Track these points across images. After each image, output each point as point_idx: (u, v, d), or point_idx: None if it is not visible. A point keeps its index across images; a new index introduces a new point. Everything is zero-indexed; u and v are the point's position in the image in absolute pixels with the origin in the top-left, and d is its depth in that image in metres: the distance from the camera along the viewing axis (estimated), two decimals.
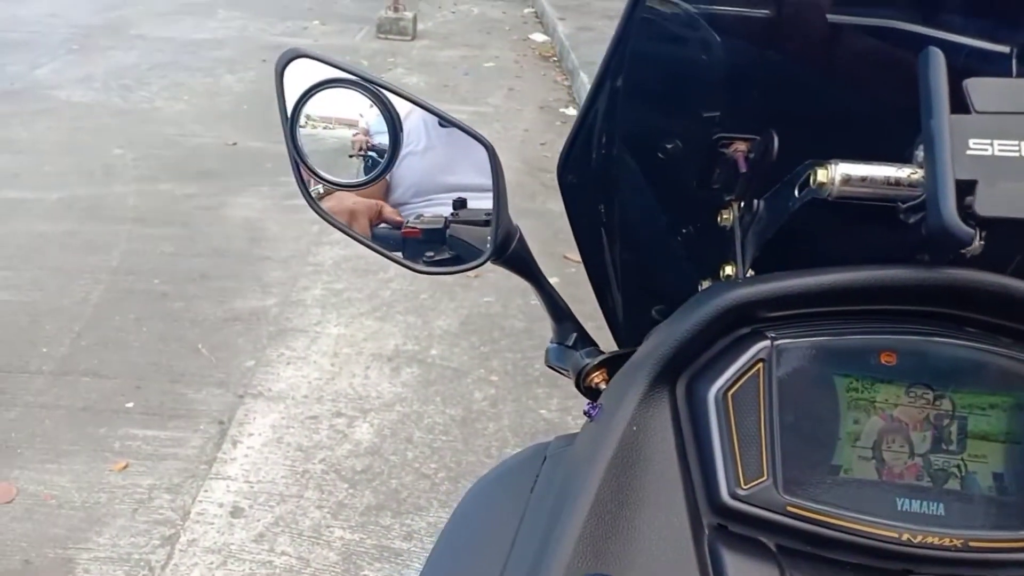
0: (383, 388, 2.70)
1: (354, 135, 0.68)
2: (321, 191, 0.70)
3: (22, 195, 3.89)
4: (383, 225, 0.71)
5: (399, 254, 0.72)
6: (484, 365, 2.85)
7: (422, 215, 0.72)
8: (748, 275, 0.59)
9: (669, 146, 0.62)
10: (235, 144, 4.74)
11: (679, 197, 0.65)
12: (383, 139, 0.68)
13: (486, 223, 0.69)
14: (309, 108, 0.66)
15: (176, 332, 2.90)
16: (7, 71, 5.87)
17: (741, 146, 0.60)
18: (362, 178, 0.69)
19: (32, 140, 4.62)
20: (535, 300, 0.79)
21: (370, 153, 0.68)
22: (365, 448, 2.41)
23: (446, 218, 0.71)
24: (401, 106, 0.67)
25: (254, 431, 2.44)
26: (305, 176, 0.69)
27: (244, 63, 6.45)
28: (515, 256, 0.71)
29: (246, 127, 5.04)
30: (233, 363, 2.75)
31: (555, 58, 7.40)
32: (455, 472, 2.33)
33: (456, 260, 0.72)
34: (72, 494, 2.17)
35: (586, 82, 5.83)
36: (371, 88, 0.66)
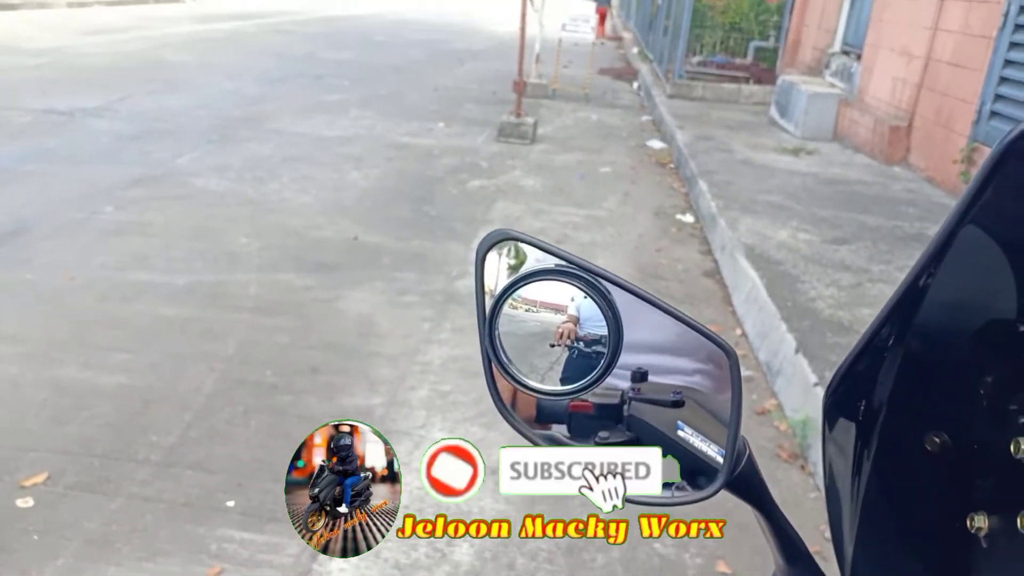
0: (485, 504, 2.55)
1: (562, 323, 0.57)
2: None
3: (151, 278, 4.03)
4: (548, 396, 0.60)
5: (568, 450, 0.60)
6: None
7: None
8: None
9: (983, 348, 0.47)
10: (355, 238, 4.83)
11: (973, 410, 0.48)
12: (592, 328, 0.57)
13: (674, 404, 0.58)
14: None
15: (282, 427, 2.85)
16: (152, 158, 6.26)
17: None
18: (568, 385, 0.58)
19: (165, 224, 4.84)
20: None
21: (577, 344, 0.57)
22: (464, 572, 2.25)
23: (623, 391, 0.59)
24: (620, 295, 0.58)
25: None
26: (498, 377, 0.59)
27: (370, 160, 6.68)
28: (744, 479, 0.57)
29: (367, 222, 5.15)
30: None
31: (672, 165, 7.34)
32: None
33: (636, 441, 0.59)
34: None
35: (705, 190, 5.71)
36: (591, 280, 0.57)
